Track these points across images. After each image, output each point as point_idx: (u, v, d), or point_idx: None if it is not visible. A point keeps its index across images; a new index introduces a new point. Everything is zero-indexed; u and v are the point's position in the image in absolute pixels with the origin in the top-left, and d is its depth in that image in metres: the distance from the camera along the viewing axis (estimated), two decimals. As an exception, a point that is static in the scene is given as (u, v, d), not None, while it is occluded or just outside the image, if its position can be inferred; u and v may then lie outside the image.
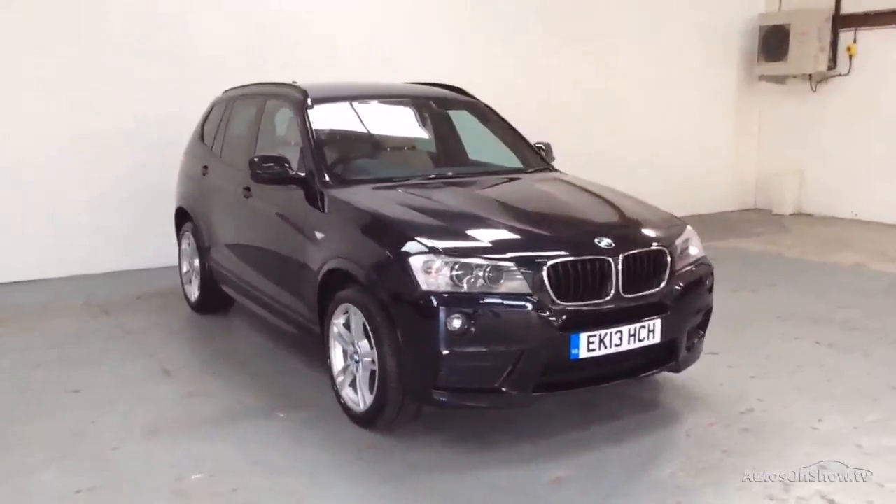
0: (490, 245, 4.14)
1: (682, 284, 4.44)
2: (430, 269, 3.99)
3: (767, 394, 4.93)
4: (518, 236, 4.28)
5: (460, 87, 6.22)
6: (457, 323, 3.89)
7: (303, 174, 5.00)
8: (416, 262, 4.02)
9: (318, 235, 4.70)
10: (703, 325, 4.78)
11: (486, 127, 5.95)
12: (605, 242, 4.20)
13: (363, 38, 9.04)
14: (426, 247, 4.07)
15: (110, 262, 8.07)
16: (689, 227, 4.78)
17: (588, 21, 10.60)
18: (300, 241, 4.88)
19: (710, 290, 4.72)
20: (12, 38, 7.50)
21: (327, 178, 4.92)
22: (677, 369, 4.59)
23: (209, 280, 6.36)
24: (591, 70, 10.68)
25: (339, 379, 4.55)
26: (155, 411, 4.73)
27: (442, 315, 3.90)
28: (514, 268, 4.02)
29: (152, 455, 4.18)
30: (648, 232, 4.50)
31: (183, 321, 6.58)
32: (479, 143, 5.90)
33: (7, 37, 7.49)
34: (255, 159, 4.99)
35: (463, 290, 3.97)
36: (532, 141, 5.94)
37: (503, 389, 4.01)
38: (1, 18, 7.45)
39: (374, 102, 5.85)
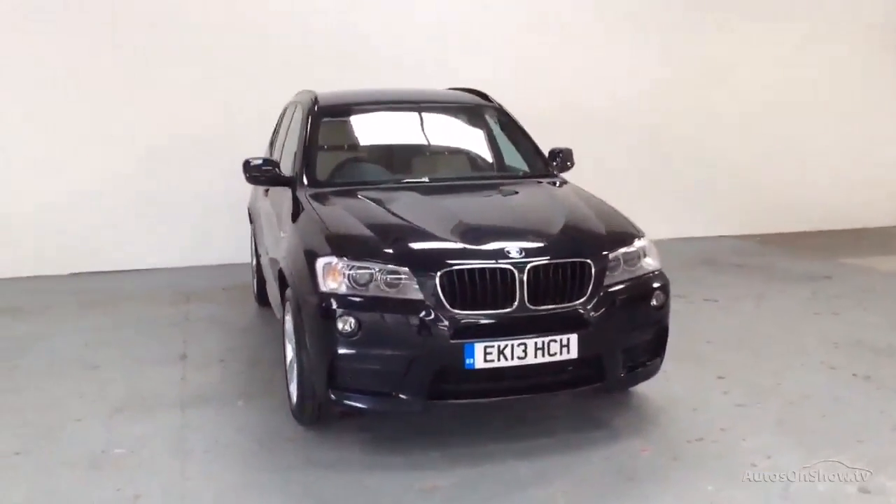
0: (394, 252, 4.16)
1: (614, 299, 4.22)
2: (331, 272, 4.10)
3: (738, 424, 4.55)
4: (428, 244, 4.27)
5: (483, 91, 6.21)
6: (348, 325, 3.97)
7: (291, 176, 5.26)
8: (319, 264, 4.15)
9: (282, 235, 4.94)
10: (657, 345, 4.50)
11: (495, 132, 5.90)
12: (514, 252, 4.10)
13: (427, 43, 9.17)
14: (330, 249, 4.18)
15: (219, 254, 8.74)
16: (640, 240, 4.53)
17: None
18: (277, 240, 5.14)
19: (662, 307, 4.43)
20: (137, 54, 8.40)
21: (305, 181, 5.15)
22: (609, 389, 4.37)
23: (259, 274, 6.80)
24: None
25: (289, 374, 4.76)
26: (137, 391, 5.17)
27: (335, 316, 4.00)
28: (409, 274, 4.03)
29: (100, 429, 4.59)
30: (574, 243, 4.32)
31: (243, 311, 7.07)
32: (482, 148, 5.87)
33: (133, 52, 8.39)
34: (249, 161, 5.31)
35: (358, 294, 4.04)
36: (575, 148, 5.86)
37: (397, 394, 4.04)
38: (128, 34, 8.38)
39: (384, 108, 6.00)
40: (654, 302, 4.39)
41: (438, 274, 3.99)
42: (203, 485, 3.95)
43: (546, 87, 9.38)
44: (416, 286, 4.00)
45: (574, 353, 4.08)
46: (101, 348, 6.07)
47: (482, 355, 3.96)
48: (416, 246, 4.27)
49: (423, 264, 4.06)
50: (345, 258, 4.12)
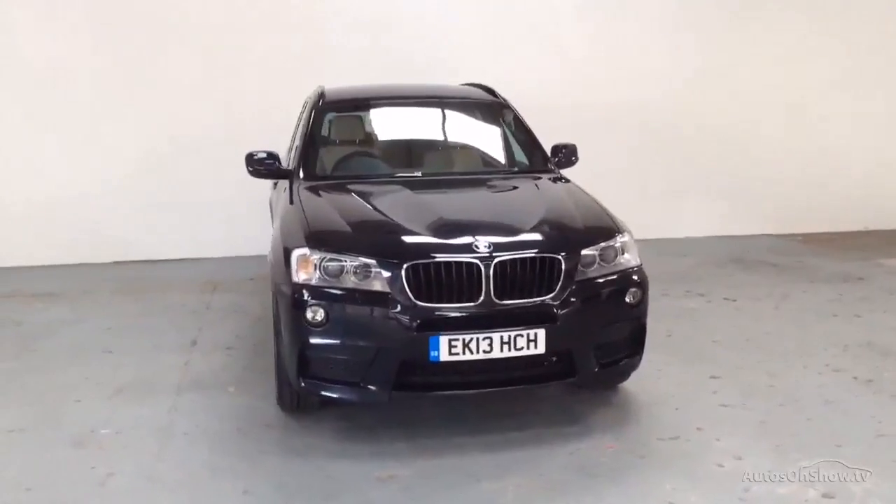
0: (364, 245, 4.24)
1: (585, 294, 4.21)
2: (304, 263, 4.21)
3: (717, 424, 4.50)
4: (398, 238, 4.34)
5: (490, 86, 6.25)
6: (317, 315, 4.08)
7: (289, 169, 5.39)
8: (294, 255, 4.26)
9: (274, 227, 5.07)
10: (634, 342, 4.48)
11: (496, 128, 5.92)
12: (483, 246, 4.13)
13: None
14: (304, 241, 4.28)
15: (254, 245, 8.91)
16: (620, 236, 4.50)
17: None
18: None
19: (638, 304, 4.40)
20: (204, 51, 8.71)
21: (301, 175, 5.27)
22: (581, 386, 4.38)
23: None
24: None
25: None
26: (141, 375, 5.36)
27: (304, 306, 4.10)
28: (377, 267, 4.10)
29: (96, 410, 4.80)
30: (545, 238, 4.32)
31: (262, 301, 7.12)
32: (481, 143, 5.92)
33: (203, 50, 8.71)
34: (251, 155, 5.44)
35: (328, 285, 4.14)
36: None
37: (364, 385, 4.13)
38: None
39: (387, 103, 6.09)
40: (629, 299, 4.37)
41: (404, 267, 4.06)
42: (174, 466, 4.11)
43: (580, 84, 9.34)
44: (384, 279, 4.08)
45: (541, 349, 4.10)
46: (121, 334, 6.30)
47: (447, 348, 4.01)
48: (385, 239, 4.35)
49: (391, 257, 4.12)
50: (317, 250, 4.21)
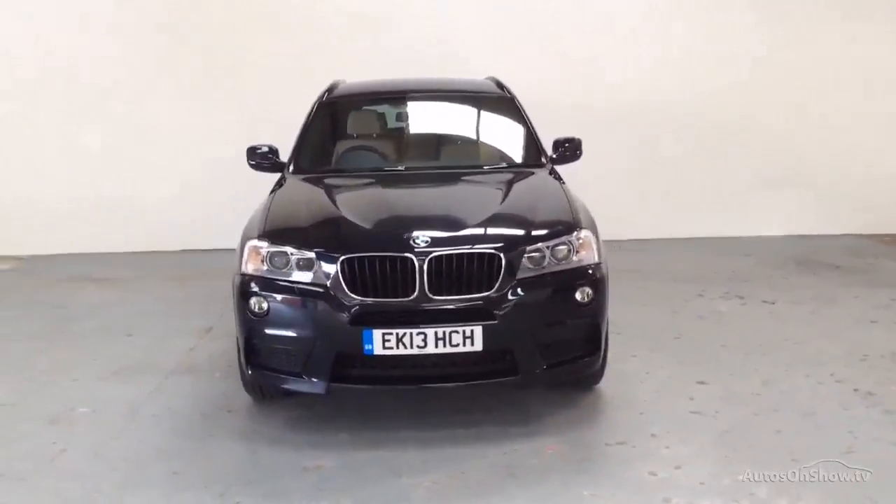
0: (307, 238, 4.31)
1: (528, 292, 4.13)
2: (253, 254, 4.33)
3: (675, 431, 4.32)
4: (341, 231, 4.39)
5: (499, 80, 6.18)
6: (259, 306, 4.20)
7: (283, 163, 5.52)
8: (247, 246, 4.39)
9: (256, 220, 5.20)
10: (589, 342, 4.34)
11: (495, 121, 5.88)
12: (420, 241, 4.12)
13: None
14: (257, 233, 4.39)
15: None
16: (577, 233, 4.36)
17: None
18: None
19: (589, 303, 4.25)
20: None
21: (291, 169, 5.40)
22: (524, 386, 4.30)
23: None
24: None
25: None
26: (146, 358, 5.62)
27: (248, 296, 4.23)
28: (317, 260, 4.16)
29: (86, 389, 5.09)
30: (488, 234, 4.27)
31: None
32: (475, 138, 5.90)
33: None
34: (253, 149, 5.60)
35: (272, 276, 4.24)
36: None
37: (304, 375, 4.20)
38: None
39: (389, 97, 6.11)
40: (579, 297, 4.23)
41: (340, 260, 4.10)
42: (125, 446, 4.31)
43: (658, 77, 9.19)
44: (323, 272, 4.13)
45: (479, 346, 4.05)
46: (150, 318, 6.63)
47: (381, 342, 4.03)
48: (328, 233, 4.40)
49: (329, 251, 4.17)
50: (267, 242, 4.32)
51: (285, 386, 4.35)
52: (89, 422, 4.62)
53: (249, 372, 4.35)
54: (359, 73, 6.78)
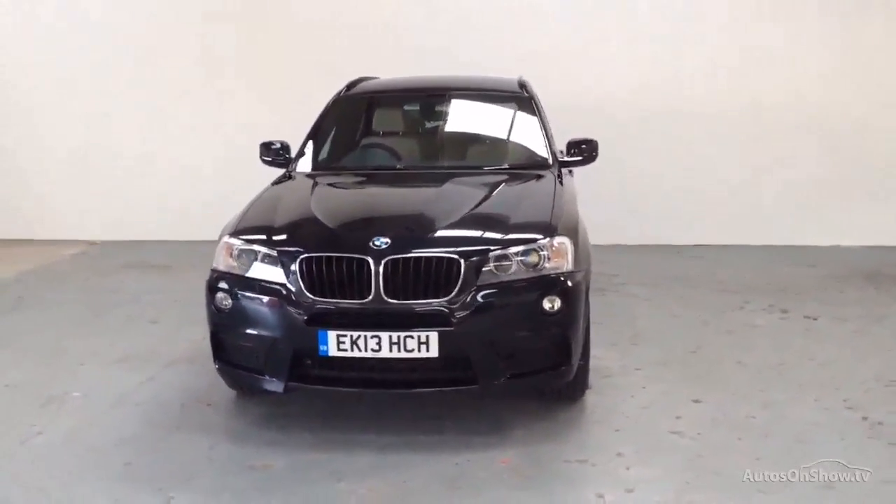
0: (273, 236, 4.31)
1: (488, 299, 3.99)
2: (225, 250, 4.36)
3: (644, 452, 4.09)
4: (305, 231, 4.38)
5: (523, 80, 6.02)
6: (222, 302, 4.24)
7: (291, 159, 5.55)
8: (221, 242, 4.43)
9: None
10: (558, 354, 4.16)
11: (507, 122, 5.71)
12: (379, 244, 4.04)
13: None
14: (232, 230, 4.43)
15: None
16: (550, 239, 4.17)
17: None
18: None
19: (557, 313, 4.06)
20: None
21: (293, 165, 5.42)
22: (483, 395, 4.18)
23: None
24: None
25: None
26: (159, 346, 5.74)
27: (215, 291, 4.28)
28: (279, 258, 4.15)
29: (89, 375, 5.25)
30: (451, 239, 4.17)
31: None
32: (485, 138, 5.78)
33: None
34: (266, 145, 5.64)
35: (237, 274, 4.26)
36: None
37: (264, 374, 4.20)
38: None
39: (407, 96, 6.06)
40: (546, 306, 4.05)
41: (298, 259, 4.07)
42: (97, 433, 4.41)
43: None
44: (283, 271, 4.12)
45: (435, 353, 3.95)
46: (182, 306, 6.77)
47: (335, 343, 3.99)
48: (292, 232, 4.37)
49: (289, 250, 4.16)
50: (237, 239, 4.34)
51: (246, 383, 4.40)
52: (75, 407, 4.76)
53: (217, 367, 4.38)
54: (382, 70, 6.75)
